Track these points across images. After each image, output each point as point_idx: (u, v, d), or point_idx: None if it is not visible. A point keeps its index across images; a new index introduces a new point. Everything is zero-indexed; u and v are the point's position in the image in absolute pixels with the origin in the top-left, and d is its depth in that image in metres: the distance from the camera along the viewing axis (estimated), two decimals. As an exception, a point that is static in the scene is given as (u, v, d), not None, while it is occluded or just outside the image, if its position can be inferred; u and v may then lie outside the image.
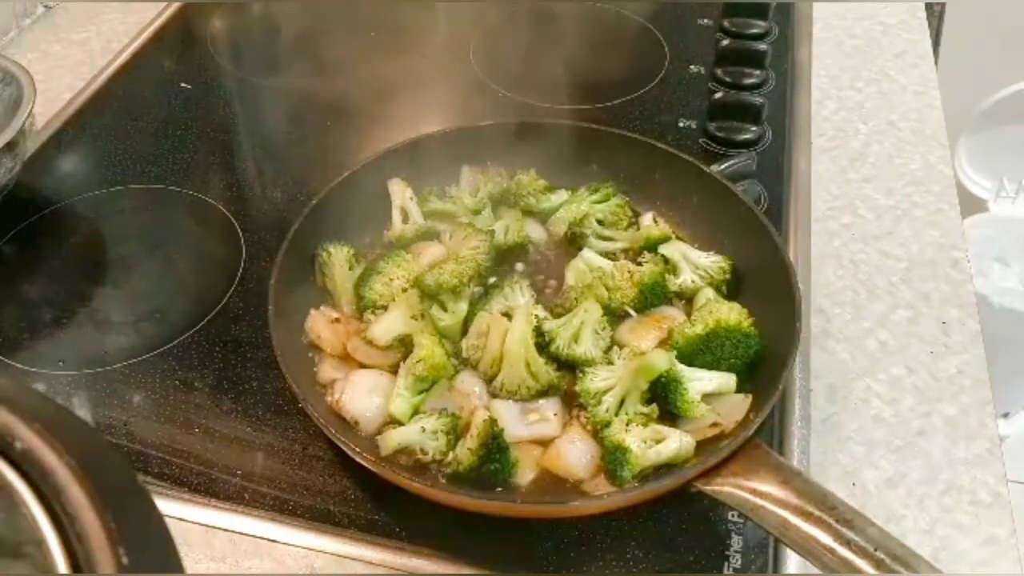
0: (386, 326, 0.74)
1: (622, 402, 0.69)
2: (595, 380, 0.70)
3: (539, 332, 0.72)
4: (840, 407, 0.76)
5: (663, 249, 0.81)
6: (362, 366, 0.74)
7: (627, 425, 0.67)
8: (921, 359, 0.80)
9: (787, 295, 0.72)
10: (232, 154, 1.05)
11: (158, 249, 0.93)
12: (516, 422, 0.69)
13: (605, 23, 1.24)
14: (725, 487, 0.61)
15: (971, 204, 1.93)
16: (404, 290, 0.77)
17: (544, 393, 0.71)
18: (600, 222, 0.85)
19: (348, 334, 0.76)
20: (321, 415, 0.67)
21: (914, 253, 0.90)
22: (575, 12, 1.26)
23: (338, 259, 0.80)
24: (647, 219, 0.86)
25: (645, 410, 0.69)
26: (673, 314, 0.77)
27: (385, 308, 0.76)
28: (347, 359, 0.75)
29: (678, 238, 0.83)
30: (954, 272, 0.88)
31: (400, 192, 0.86)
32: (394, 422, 0.70)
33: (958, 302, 0.85)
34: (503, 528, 0.65)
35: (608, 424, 0.67)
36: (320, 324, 0.76)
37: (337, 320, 0.77)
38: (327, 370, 0.74)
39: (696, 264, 0.79)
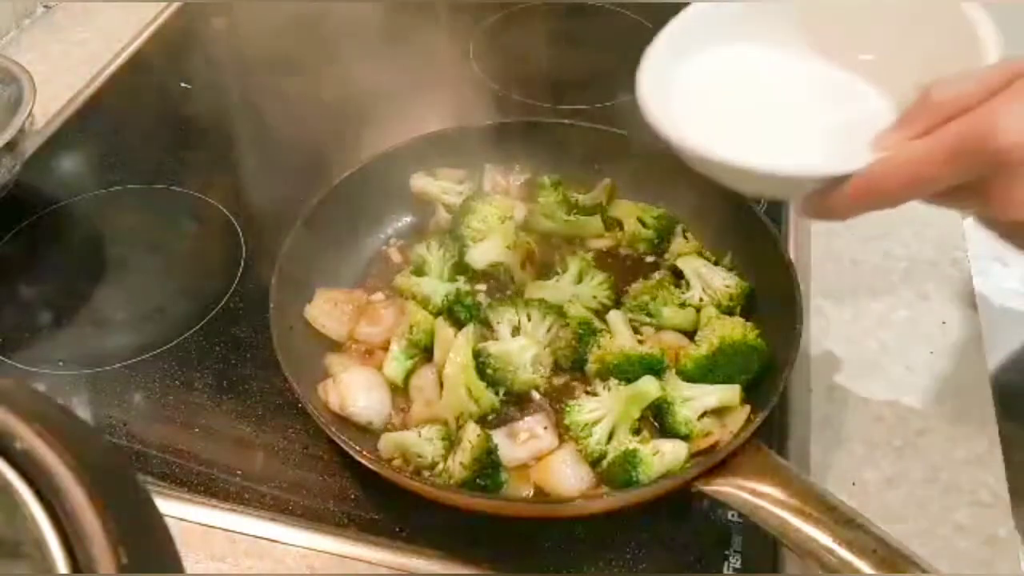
0: (484, 249, 0.79)
1: (611, 432, 0.68)
2: (583, 412, 0.68)
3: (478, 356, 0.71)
4: (840, 407, 0.76)
5: (680, 262, 0.80)
6: (367, 352, 0.75)
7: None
8: (921, 359, 0.80)
9: (788, 295, 0.72)
10: (232, 154, 1.05)
11: (158, 249, 0.93)
12: (509, 446, 0.68)
13: (605, 23, 1.24)
14: (725, 487, 0.61)
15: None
16: (502, 221, 0.81)
17: (485, 417, 0.70)
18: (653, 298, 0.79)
19: (354, 316, 0.77)
20: (321, 415, 0.67)
21: (914, 253, 0.90)
22: (575, 12, 1.26)
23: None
24: (678, 233, 0.84)
25: (636, 440, 0.67)
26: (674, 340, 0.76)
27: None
28: (349, 353, 0.76)
29: (699, 254, 0.82)
30: (954, 272, 0.87)
31: (432, 184, 0.88)
32: (393, 426, 0.70)
33: (958, 302, 0.85)
34: (503, 528, 0.65)
35: (604, 455, 0.67)
36: (322, 311, 0.77)
37: (338, 303, 0.78)
38: (328, 368, 0.74)
39: (708, 284, 0.78)
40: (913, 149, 0.53)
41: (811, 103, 0.65)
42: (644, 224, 0.85)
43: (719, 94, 0.66)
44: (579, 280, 0.80)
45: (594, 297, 0.78)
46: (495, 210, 0.83)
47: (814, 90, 0.65)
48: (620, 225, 0.86)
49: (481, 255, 0.80)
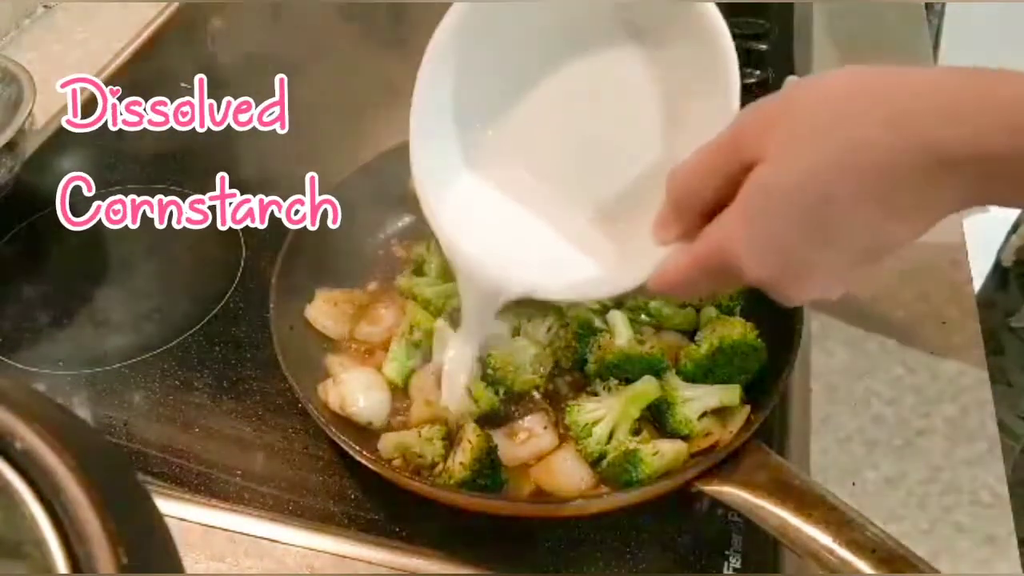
0: None
1: (611, 432, 0.68)
2: (583, 412, 0.68)
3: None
4: (840, 407, 0.76)
5: None
6: (367, 352, 0.75)
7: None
8: (921, 359, 0.80)
9: (787, 295, 0.71)
10: (232, 154, 1.05)
11: (158, 249, 0.93)
12: (509, 446, 0.68)
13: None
14: (725, 487, 0.61)
15: (971, 204, 1.92)
16: None
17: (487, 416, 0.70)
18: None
19: (354, 316, 0.78)
20: (321, 415, 0.67)
21: (914, 253, 0.89)
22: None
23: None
24: None
25: (636, 440, 0.67)
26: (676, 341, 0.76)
27: None
28: (349, 353, 0.76)
29: None
30: (954, 272, 0.87)
31: None
32: (393, 426, 0.71)
33: (958, 302, 0.85)
34: (503, 528, 0.65)
35: (604, 455, 0.67)
36: (321, 311, 0.77)
37: (338, 303, 0.78)
38: (328, 368, 0.74)
39: None
40: (676, 261, 0.56)
41: (594, 186, 0.67)
42: None
43: (497, 206, 0.70)
44: None
45: None
46: None
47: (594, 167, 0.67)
48: None
49: None
